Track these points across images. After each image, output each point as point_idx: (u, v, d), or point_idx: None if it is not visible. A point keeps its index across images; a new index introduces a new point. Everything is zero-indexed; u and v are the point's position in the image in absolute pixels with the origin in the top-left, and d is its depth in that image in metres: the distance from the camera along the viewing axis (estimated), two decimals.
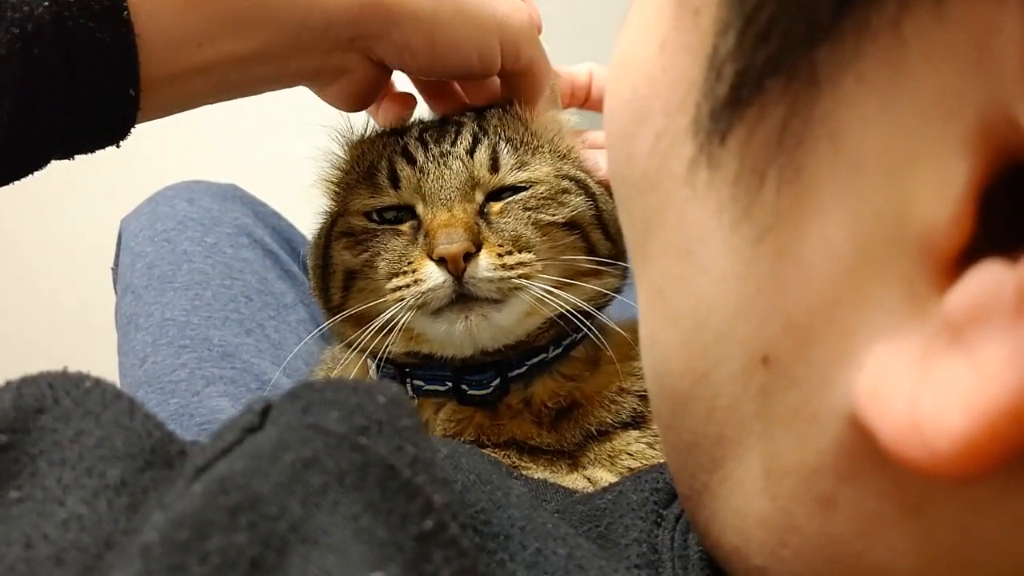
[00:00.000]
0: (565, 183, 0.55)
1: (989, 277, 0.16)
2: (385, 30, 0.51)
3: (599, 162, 0.60)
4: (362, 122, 0.62)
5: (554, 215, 0.54)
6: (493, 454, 0.53)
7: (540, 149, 0.57)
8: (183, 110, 0.51)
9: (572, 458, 0.54)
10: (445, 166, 0.53)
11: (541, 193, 0.54)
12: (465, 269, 0.49)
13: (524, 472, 0.52)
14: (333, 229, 0.58)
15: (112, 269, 0.86)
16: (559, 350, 0.57)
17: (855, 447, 0.20)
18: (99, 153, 0.49)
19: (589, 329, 0.53)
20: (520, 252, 0.51)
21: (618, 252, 0.57)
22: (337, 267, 0.57)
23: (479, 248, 0.50)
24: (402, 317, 0.51)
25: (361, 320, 0.54)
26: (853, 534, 0.21)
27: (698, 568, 0.29)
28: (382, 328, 0.51)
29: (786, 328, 0.21)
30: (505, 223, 0.52)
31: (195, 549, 0.19)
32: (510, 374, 0.55)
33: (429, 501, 0.22)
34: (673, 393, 0.26)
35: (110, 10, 0.42)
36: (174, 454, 0.25)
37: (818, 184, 0.19)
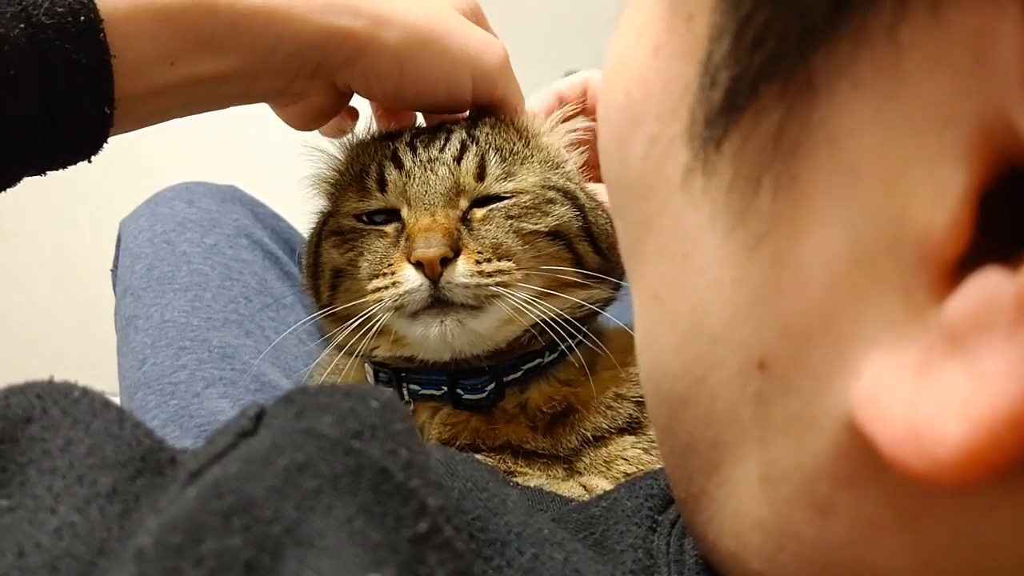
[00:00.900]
0: (551, 193, 0.55)
1: (988, 285, 0.16)
2: (354, 58, 0.52)
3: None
4: (361, 125, 0.63)
5: (537, 224, 0.53)
6: (488, 458, 0.53)
7: (530, 160, 0.57)
8: (154, 124, 0.52)
9: (568, 463, 0.54)
10: (431, 171, 0.53)
11: (524, 202, 0.54)
12: (442, 274, 0.49)
13: (519, 476, 0.52)
14: (324, 228, 0.58)
15: (111, 270, 0.86)
16: (555, 355, 0.57)
17: (853, 453, 0.20)
18: (99, 154, 0.49)
19: (578, 337, 0.53)
20: (500, 260, 0.51)
21: (609, 267, 0.57)
22: (325, 265, 0.57)
23: (457, 254, 0.50)
24: (380, 318, 0.51)
25: (346, 319, 0.54)
26: (851, 539, 0.21)
27: (694, 573, 0.29)
28: (360, 327, 0.51)
29: (782, 334, 0.21)
30: (486, 230, 0.52)
31: (189, 553, 0.19)
32: (506, 379, 0.55)
33: (423, 504, 0.22)
34: (670, 396, 0.26)
35: (86, 32, 0.43)
36: (164, 462, 0.24)
37: (814, 190, 0.19)
